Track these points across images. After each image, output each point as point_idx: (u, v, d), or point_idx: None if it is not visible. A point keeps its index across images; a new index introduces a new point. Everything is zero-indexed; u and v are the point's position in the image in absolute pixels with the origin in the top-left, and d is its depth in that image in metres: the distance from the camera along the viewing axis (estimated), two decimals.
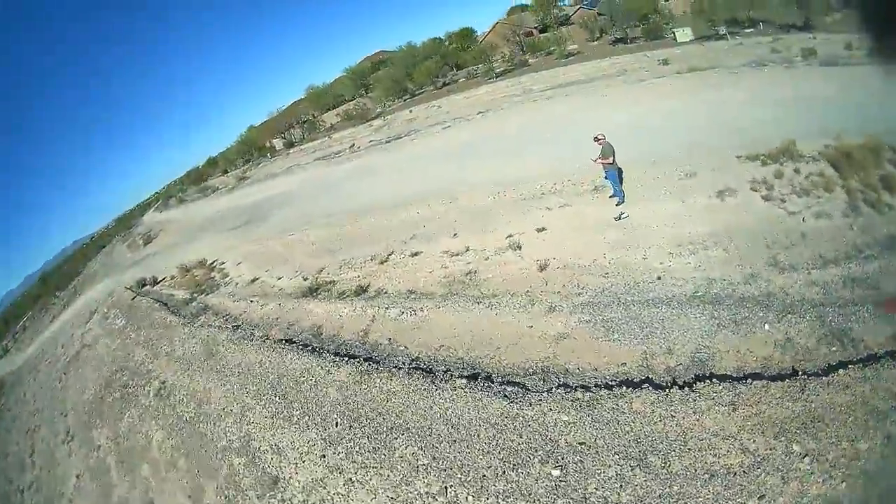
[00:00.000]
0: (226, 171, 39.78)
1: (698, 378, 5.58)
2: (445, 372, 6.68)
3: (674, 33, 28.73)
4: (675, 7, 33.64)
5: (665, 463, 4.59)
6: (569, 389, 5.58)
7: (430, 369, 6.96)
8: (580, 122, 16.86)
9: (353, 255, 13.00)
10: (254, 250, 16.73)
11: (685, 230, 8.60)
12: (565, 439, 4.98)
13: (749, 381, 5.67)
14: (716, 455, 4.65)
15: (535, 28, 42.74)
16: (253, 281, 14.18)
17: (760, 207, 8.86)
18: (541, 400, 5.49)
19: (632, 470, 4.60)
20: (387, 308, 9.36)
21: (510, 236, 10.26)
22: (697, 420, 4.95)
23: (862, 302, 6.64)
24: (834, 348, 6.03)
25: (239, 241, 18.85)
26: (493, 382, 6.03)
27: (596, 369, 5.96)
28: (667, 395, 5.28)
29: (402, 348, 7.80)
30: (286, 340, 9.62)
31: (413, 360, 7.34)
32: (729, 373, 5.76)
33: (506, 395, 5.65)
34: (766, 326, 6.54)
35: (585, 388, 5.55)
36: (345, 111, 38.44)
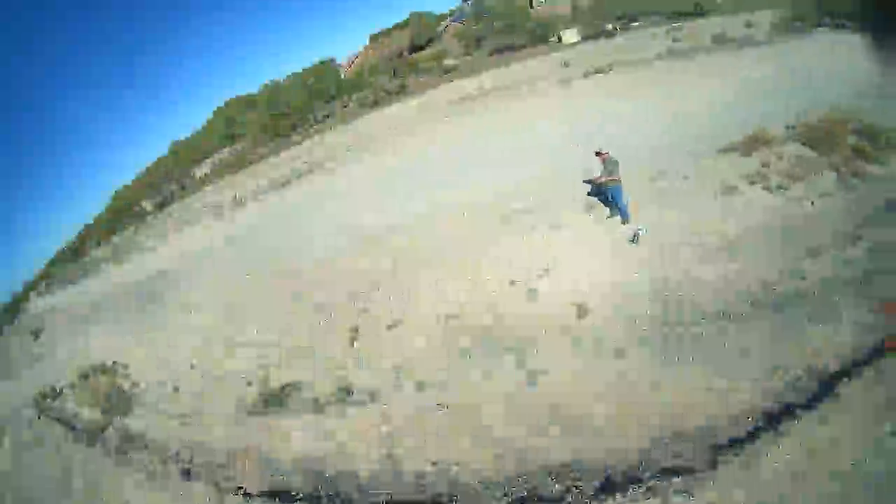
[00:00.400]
0: (99, 242, 34.42)
1: (815, 389, 5.59)
2: (567, 491, 5.52)
3: (559, 35, 31.42)
4: (544, 10, 37.04)
5: None
6: (731, 449, 5.01)
7: (546, 496, 5.54)
8: (516, 136, 17.20)
9: (302, 336, 11.22)
10: (163, 341, 13.87)
11: (710, 236, 8.90)
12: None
13: (845, 380, 5.82)
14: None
15: (407, 48, 44.05)
16: (176, 389, 11.57)
17: (768, 200, 9.50)
18: (724, 474, 4.83)
19: None
20: (400, 409, 7.99)
21: (513, 282, 9.58)
22: (854, 425, 4.82)
23: (889, 271, 7.27)
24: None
25: (142, 329, 15.62)
26: (642, 483, 5.12)
27: (725, 414, 5.55)
28: (818, 413, 5.04)
29: (464, 478, 6.18)
30: (275, 495, 7.53)
31: (504, 493, 5.80)
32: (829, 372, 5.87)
33: (683, 492, 4.81)
34: (845, 313, 6.78)
35: (748, 439, 5.03)
36: (220, 160, 35.80)
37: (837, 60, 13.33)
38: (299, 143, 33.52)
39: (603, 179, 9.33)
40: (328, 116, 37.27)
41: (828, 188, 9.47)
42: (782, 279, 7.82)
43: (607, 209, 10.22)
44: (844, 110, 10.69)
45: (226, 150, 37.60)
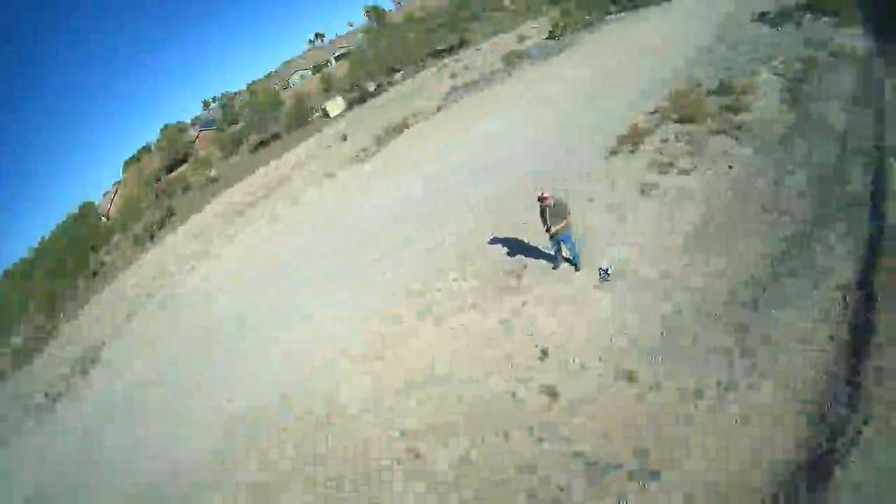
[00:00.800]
0: None
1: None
2: None
3: (323, 110, 30.55)
4: (297, 89, 36.38)
5: None
6: None
7: None
8: (348, 218, 14.78)
9: None
10: None
11: (663, 237, 8.05)
12: None
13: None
14: None
15: (164, 167, 39.25)
16: None
17: (689, 185, 9.04)
18: None
19: None
20: None
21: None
22: None
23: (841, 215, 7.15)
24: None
25: None
26: None
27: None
28: None
29: None
30: None
31: None
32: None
33: None
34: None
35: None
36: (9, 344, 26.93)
37: (635, 44, 14.66)
38: (83, 306, 26.00)
39: (555, 229, 7.58)
40: (99, 270, 30.37)
41: (730, 150, 9.38)
42: (754, 264, 7.03)
43: (551, 263, 8.49)
44: (687, 80, 11.11)
45: (11, 336, 29.24)
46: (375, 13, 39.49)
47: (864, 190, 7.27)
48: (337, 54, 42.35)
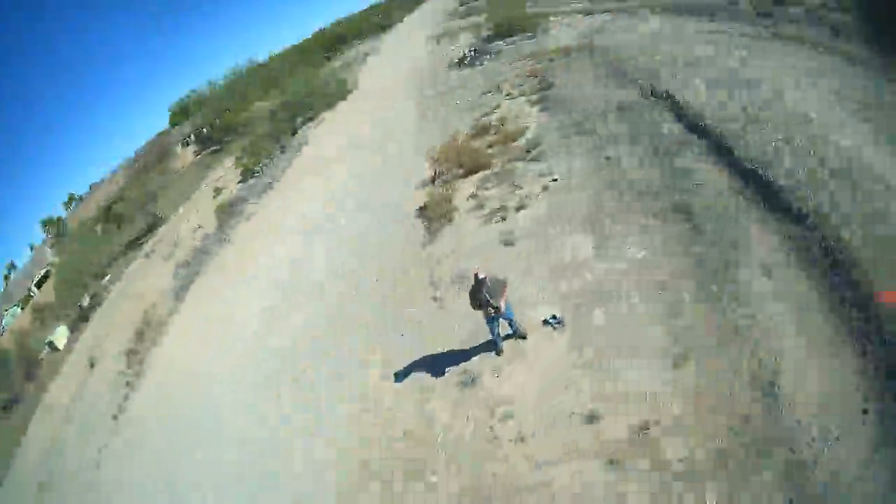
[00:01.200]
0: None
1: None
2: None
3: (48, 345, 24.87)
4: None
5: None
6: None
7: None
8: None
9: None
10: None
11: (565, 260, 8.16)
12: None
13: None
14: None
15: None
16: None
17: (538, 213, 9.20)
18: None
19: None
20: None
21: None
22: None
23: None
24: None
25: None
26: None
27: None
28: None
29: None
30: None
31: None
32: None
33: None
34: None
35: None
36: None
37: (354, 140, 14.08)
38: None
39: (502, 304, 6.92)
40: None
41: (537, 168, 9.90)
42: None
43: (490, 352, 7.54)
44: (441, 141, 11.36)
45: None
46: (54, 225, 34.11)
47: (677, 126, 8.69)
48: (36, 280, 35.51)
